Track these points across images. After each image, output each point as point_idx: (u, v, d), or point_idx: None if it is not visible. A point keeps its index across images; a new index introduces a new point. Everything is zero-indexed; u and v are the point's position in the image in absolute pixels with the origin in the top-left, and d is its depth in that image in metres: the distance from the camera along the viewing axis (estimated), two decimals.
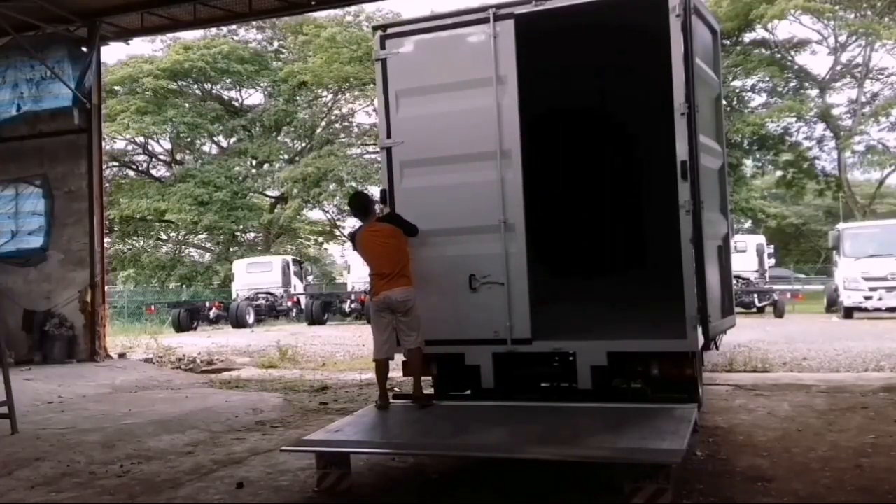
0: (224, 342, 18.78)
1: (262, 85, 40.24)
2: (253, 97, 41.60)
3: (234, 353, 15.72)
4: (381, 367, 6.28)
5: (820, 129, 34.92)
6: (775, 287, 25.51)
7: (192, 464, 5.81)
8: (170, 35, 34.41)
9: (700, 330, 5.80)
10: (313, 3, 13.90)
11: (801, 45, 34.64)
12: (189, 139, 39.31)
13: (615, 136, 8.31)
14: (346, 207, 39.27)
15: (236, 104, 41.08)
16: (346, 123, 41.01)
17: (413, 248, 6.43)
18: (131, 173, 40.78)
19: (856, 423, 6.50)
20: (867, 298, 20.33)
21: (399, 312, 6.14)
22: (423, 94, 6.53)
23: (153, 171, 41.04)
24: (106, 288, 14.13)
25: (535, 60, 6.42)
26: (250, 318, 26.96)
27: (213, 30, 33.75)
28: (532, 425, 5.39)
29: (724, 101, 8.14)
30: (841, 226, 23.53)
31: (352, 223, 43.03)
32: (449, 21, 6.50)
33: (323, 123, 40.01)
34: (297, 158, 38.67)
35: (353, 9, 35.74)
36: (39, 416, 8.22)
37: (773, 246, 30.69)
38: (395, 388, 9.17)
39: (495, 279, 6.21)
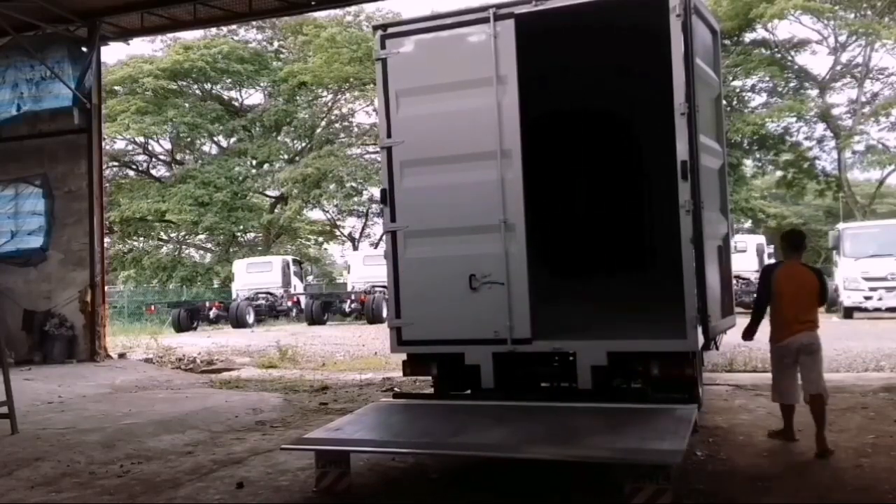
0: (224, 342, 18.76)
1: (262, 85, 40.24)
2: (253, 97, 41.67)
3: (234, 353, 15.70)
4: (786, 409, 6.00)
5: (820, 129, 34.92)
6: None
7: (192, 464, 5.81)
8: (170, 35, 34.42)
9: (700, 330, 5.80)
10: (313, 3, 13.92)
11: (801, 44, 34.63)
12: (189, 139, 39.33)
13: (615, 136, 8.31)
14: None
15: (236, 104, 41.06)
16: (346, 123, 41.01)
17: (413, 248, 6.44)
18: (131, 173, 40.80)
19: (856, 423, 6.50)
20: (867, 298, 20.30)
21: (803, 354, 5.83)
22: (423, 94, 6.53)
23: (153, 172, 41.05)
24: (106, 288, 14.13)
25: (536, 60, 6.41)
26: (250, 318, 26.93)
27: (213, 30, 33.75)
28: (532, 425, 5.38)
29: (724, 101, 8.13)
30: (841, 226, 23.51)
31: (351, 223, 43.11)
32: (449, 21, 6.50)
33: (323, 123, 40.00)
34: (297, 158, 38.65)
35: (353, 9, 35.75)
36: (39, 416, 8.21)
37: (773, 246, 30.65)
38: (395, 388, 9.22)
39: (495, 279, 6.20)
